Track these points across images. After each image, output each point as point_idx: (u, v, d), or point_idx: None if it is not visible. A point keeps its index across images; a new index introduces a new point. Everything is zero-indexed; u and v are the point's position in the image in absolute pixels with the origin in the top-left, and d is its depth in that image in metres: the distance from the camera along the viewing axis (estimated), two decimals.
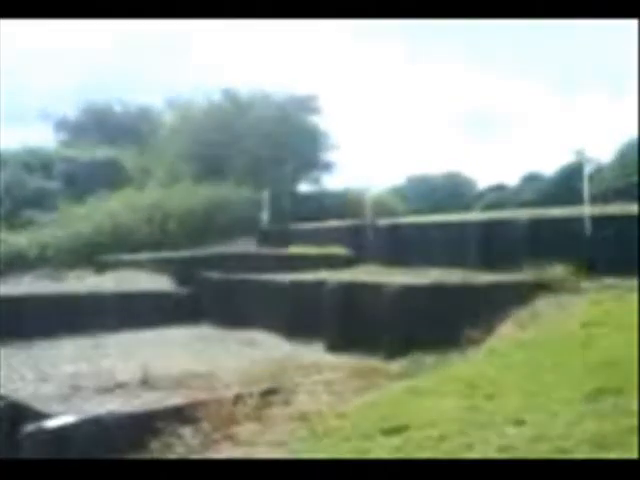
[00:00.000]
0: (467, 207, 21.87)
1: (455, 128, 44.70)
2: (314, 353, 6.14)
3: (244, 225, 14.24)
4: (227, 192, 15.23)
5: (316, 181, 17.96)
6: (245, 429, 3.87)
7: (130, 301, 8.06)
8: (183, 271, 9.28)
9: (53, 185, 16.40)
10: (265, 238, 12.52)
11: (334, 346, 6.23)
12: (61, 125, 27.20)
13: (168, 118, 22.13)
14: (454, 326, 5.70)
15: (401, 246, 9.88)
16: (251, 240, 13.17)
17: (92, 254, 12.44)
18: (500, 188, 25.43)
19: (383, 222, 10.40)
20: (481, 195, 26.12)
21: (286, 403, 4.37)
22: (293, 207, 15.28)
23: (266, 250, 10.56)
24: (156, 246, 12.75)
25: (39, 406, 4.39)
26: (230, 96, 18.75)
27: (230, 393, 4.60)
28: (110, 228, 13.33)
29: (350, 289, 6.39)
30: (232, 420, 4.04)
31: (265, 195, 13.42)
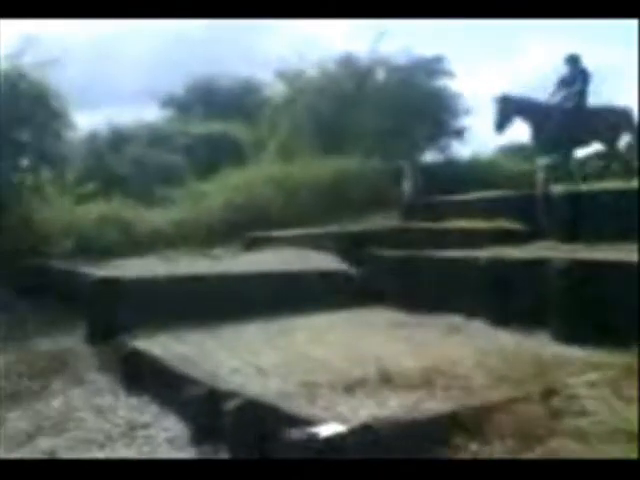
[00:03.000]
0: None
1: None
2: (544, 345, 5.33)
3: (377, 198, 13.57)
4: (356, 164, 14.55)
5: (443, 149, 16.97)
6: (566, 448, 3.14)
7: (301, 281, 7.50)
8: (345, 247, 8.68)
9: (177, 160, 16.21)
10: (410, 212, 11.74)
11: (565, 336, 5.38)
12: (168, 102, 27.32)
13: (278, 89, 21.55)
14: None
15: (581, 219, 8.89)
16: (390, 214, 12.45)
17: (229, 231, 12.14)
18: None
19: (557, 191, 9.40)
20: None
21: (580, 413, 3.61)
22: (427, 178, 14.38)
23: (428, 224, 9.77)
24: (293, 221, 12.27)
25: (287, 407, 3.82)
26: (346, 63, 17.87)
27: (498, 395, 3.89)
28: (243, 204, 12.94)
29: (582, 268, 5.51)
30: (538, 434, 3.31)
31: (406, 166, 12.64)
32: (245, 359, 5.18)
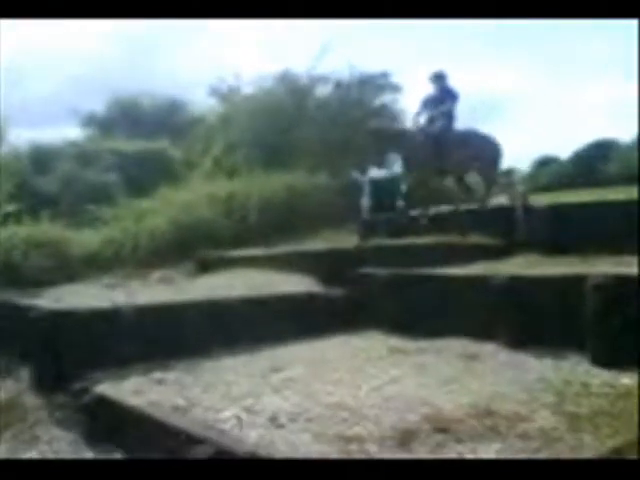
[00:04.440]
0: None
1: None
2: (587, 371, 4.72)
3: (328, 214, 12.87)
4: (302, 180, 13.82)
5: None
6: None
7: (278, 306, 6.64)
8: (311, 268, 7.91)
9: (108, 178, 14.92)
10: (368, 229, 11.05)
11: (603, 360, 4.81)
12: (89, 121, 26.22)
13: (211, 107, 20.69)
14: None
15: (557, 231, 8.50)
16: (346, 229, 11.74)
17: (173, 252, 11.10)
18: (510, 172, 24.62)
19: (539, 203, 8.99)
20: None
21: None
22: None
23: (398, 241, 9.13)
24: (242, 240, 11.40)
25: None
26: (284, 80, 17.24)
27: (594, 444, 3.19)
28: (187, 222, 11.89)
29: (621, 284, 4.94)
30: None
31: (364, 181, 11.99)
32: (244, 404, 4.25)
